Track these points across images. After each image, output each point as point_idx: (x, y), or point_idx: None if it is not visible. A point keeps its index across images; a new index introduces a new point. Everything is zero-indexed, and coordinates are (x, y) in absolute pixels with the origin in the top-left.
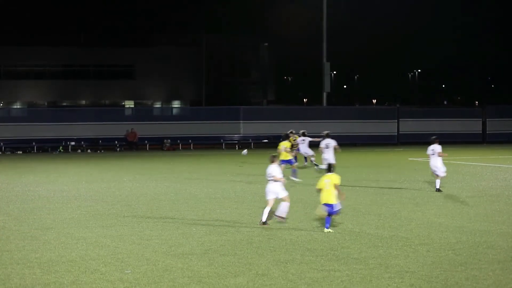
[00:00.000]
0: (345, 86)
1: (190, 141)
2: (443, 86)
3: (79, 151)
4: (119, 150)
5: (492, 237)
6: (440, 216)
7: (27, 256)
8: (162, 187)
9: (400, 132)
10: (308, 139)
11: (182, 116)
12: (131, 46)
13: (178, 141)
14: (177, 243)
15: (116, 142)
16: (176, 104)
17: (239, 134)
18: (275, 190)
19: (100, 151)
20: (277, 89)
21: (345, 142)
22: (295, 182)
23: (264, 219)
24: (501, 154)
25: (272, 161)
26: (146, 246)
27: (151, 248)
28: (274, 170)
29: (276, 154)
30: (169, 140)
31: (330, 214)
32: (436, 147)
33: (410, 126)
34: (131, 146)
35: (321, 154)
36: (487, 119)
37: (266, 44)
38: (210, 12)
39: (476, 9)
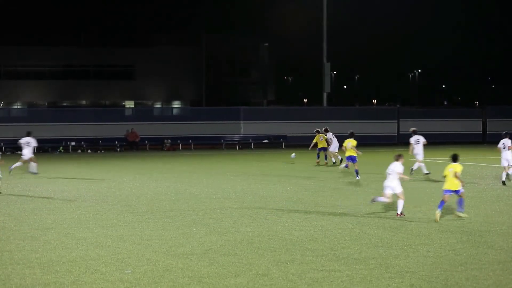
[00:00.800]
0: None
1: (190, 141)
2: (443, 86)
3: (79, 151)
4: (119, 150)
5: (493, 237)
6: (441, 216)
7: (28, 256)
8: (163, 187)
9: (401, 133)
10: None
11: (182, 116)
12: (131, 46)
13: (178, 141)
14: (177, 243)
15: (116, 142)
16: (176, 104)
17: (240, 134)
18: (392, 185)
19: (100, 151)
20: (277, 89)
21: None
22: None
23: (399, 211)
24: (499, 155)
25: (397, 159)
26: (147, 246)
27: (151, 248)
28: (397, 167)
29: (401, 153)
30: (169, 140)
31: (459, 195)
32: (506, 141)
33: (410, 126)
34: (132, 146)
35: (412, 150)
36: (487, 120)
37: (266, 44)
38: (210, 12)
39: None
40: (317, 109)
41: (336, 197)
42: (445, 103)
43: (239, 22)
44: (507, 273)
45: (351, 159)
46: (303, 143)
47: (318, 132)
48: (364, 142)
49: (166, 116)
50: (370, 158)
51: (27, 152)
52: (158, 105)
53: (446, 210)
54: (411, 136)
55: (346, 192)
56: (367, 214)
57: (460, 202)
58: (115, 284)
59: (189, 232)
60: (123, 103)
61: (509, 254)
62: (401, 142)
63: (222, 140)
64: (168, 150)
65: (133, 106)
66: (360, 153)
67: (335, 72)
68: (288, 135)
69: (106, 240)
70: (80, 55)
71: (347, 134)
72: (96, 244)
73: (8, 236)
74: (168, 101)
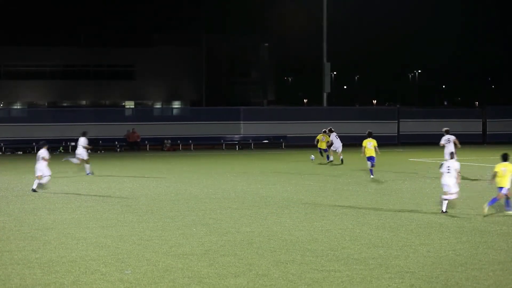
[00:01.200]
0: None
1: (190, 141)
2: (443, 86)
3: None
4: (120, 151)
5: (493, 237)
6: (440, 216)
7: (28, 257)
8: (163, 188)
9: (401, 133)
10: (334, 134)
11: (182, 117)
12: (131, 46)
13: (179, 141)
14: (178, 243)
15: (116, 142)
16: (176, 104)
17: (240, 134)
18: (449, 183)
19: (101, 151)
20: (277, 89)
21: (345, 143)
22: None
23: (443, 209)
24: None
25: (452, 157)
26: (147, 246)
27: (151, 248)
28: (454, 164)
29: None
30: (169, 141)
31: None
32: None
33: (410, 126)
34: (132, 146)
35: (444, 149)
36: (487, 120)
37: (266, 44)
38: (210, 12)
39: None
40: (317, 109)
41: (336, 197)
42: (445, 103)
43: (239, 22)
44: (507, 273)
45: (371, 159)
46: (303, 143)
47: (324, 132)
48: (347, 142)
49: (166, 116)
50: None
51: (82, 152)
52: (158, 105)
53: (451, 209)
54: (443, 136)
55: (346, 192)
56: (367, 214)
57: (507, 203)
58: (115, 284)
59: (189, 232)
60: (123, 103)
61: (509, 254)
62: (401, 142)
63: (222, 141)
64: (168, 150)
65: (133, 106)
66: (379, 152)
67: (335, 72)
68: (288, 135)
69: (106, 240)
70: (80, 55)
71: (365, 134)
72: (96, 244)
73: (8, 236)
74: (168, 101)
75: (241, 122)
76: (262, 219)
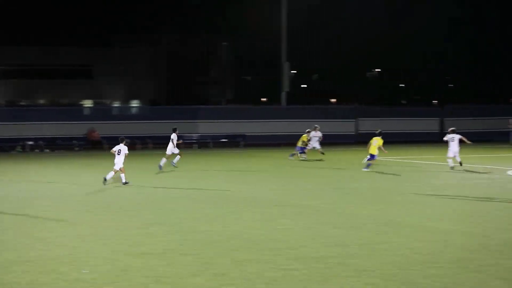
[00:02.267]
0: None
1: (149, 140)
2: (402, 85)
3: (37, 150)
4: (78, 150)
5: (450, 235)
6: (398, 214)
7: None
8: (121, 187)
9: (359, 131)
10: (320, 134)
11: (141, 116)
12: (90, 45)
13: (137, 140)
14: (137, 242)
15: (74, 141)
16: (135, 103)
17: (198, 133)
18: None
19: (59, 150)
20: (236, 88)
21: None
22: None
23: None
24: (458, 153)
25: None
26: (105, 245)
27: (110, 247)
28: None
29: None
30: (128, 140)
31: None
32: None
33: (369, 125)
34: (92, 145)
35: (448, 147)
36: (445, 118)
37: (226, 43)
38: (170, 11)
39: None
40: (276, 108)
41: (296, 196)
42: (404, 102)
43: (198, 22)
44: (465, 271)
45: (372, 156)
46: (262, 142)
47: (309, 132)
48: (322, 141)
49: (125, 115)
50: (329, 157)
51: (172, 148)
52: (117, 104)
53: (405, 208)
54: (449, 134)
55: (305, 191)
56: (326, 212)
57: None
58: (72, 284)
59: (148, 231)
60: (82, 102)
61: (467, 252)
62: (360, 141)
63: (180, 139)
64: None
65: (91, 105)
66: (385, 151)
67: (294, 72)
68: (247, 134)
69: (64, 240)
70: (39, 54)
71: (376, 132)
72: (54, 244)
73: None
74: (127, 100)
75: (200, 121)
76: (222, 218)
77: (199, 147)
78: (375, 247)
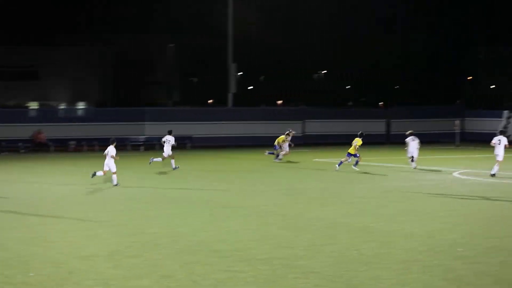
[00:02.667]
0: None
1: (95, 142)
2: (348, 86)
3: None
4: (24, 152)
5: (396, 237)
6: (345, 216)
7: None
8: (66, 189)
9: (306, 133)
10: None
11: (87, 117)
12: (35, 45)
13: (83, 142)
14: (83, 245)
15: (20, 143)
16: (81, 105)
17: (145, 135)
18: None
19: (4, 152)
20: (183, 90)
21: (250, 144)
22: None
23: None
24: (404, 155)
25: None
26: (51, 248)
27: (56, 250)
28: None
29: None
30: (74, 142)
31: None
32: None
33: (315, 127)
34: (39, 147)
35: (407, 148)
36: (391, 120)
37: (172, 44)
38: (117, 11)
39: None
40: (222, 110)
41: (243, 197)
42: (350, 103)
43: (145, 23)
44: (409, 272)
45: (349, 155)
46: (209, 144)
47: (288, 134)
48: (269, 143)
49: (71, 117)
50: (272, 159)
51: (167, 149)
52: (63, 106)
53: (352, 210)
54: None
55: (252, 192)
56: (272, 214)
57: None
58: (18, 287)
59: (94, 233)
60: (27, 104)
61: (411, 254)
62: (307, 142)
63: (127, 141)
64: (73, 151)
65: (37, 107)
66: (358, 154)
67: (241, 73)
68: (193, 136)
69: (9, 243)
70: None
71: (270, 135)
72: None
73: None
74: (73, 102)
75: (146, 122)
76: (169, 220)
77: (146, 149)
78: (322, 249)
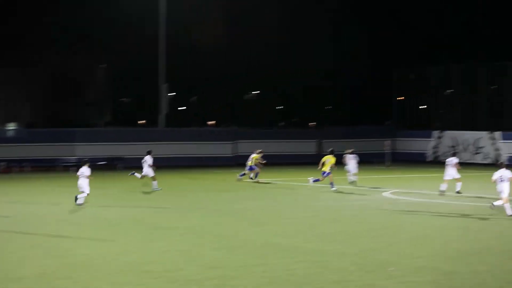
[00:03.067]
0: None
1: (25, 163)
2: (281, 107)
3: None
4: None
5: (327, 257)
6: (277, 236)
7: None
8: None
9: (238, 154)
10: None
11: (17, 138)
12: None
13: (14, 163)
14: (13, 267)
15: None
16: (11, 126)
17: (76, 156)
18: (503, 189)
19: None
20: (114, 110)
21: (182, 164)
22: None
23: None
24: (336, 175)
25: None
26: None
27: None
28: (506, 173)
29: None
30: (4, 163)
31: None
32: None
33: (247, 147)
34: None
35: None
36: (323, 140)
37: (104, 65)
38: (48, 32)
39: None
40: (154, 130)
41: (174, 218)
42: (282, 123)
43: (76, 43)
44: None
45: (323, 173)
46: (140, 164)
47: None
48: (201, 164)
49: (1, 138)
50: (209, 178)
51: (145, 170)
52: None
53: (284, 230)
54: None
55: (184, 213)
56: (205, 234)
57: None
58: None
59: (25, 255)
60: None
61: (343, 274)
62: (238, 163)
63: (57, 162)
64: (3, 172)
65: None
66: (327, 171)
67: (173, 94)
68: (125, 156)
69: None
70: None
71: (201, 155)
72: None
73: None
74: (3, 122)
75: (77, 143)
76: (100, 241)
77: (77, 170)
78: (253, 269)
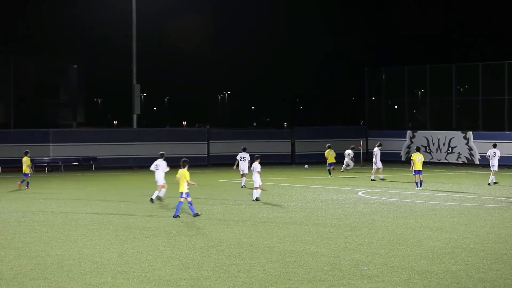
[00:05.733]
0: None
1: None
2: (253, 107)
3: None
4: None
5: (302, 256)
6: (251, 236)
7: None
8: None
9: (210, 154)
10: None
11: None
12: None
13: None
14: None
15: None
16: None
17: (49, 156)
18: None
19: None
20: (87, 111)
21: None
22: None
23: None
24: (309, 175)
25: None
26: None
27: None
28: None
29: None
30: None
31: None
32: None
33: (220, 147)
34: None
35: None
36: (296, 140)
37: (75, 66)
38: (19, 32)
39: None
40: (127, 131)
41: (147, 219)
42: (255, 124)
43: (48, 43)
44: None
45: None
46: (114, 165)
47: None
48: (173, 164)
49: None
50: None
51: (158, 176)
52: None
53: (257, 230)
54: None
55: (157, 214)
56: (177, 235)
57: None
58: None
59: None
60: None
61: (317, 273)
62: (211, 163)
63: (31, 163)
64: None
65: None
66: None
67: (145, 94)
68: (98, 157)
69: None
70: None
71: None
72: None
73: None
74: None
75: (50, 144)
76: (73, 241)
77: (50, 171)
78: (228, 269)
